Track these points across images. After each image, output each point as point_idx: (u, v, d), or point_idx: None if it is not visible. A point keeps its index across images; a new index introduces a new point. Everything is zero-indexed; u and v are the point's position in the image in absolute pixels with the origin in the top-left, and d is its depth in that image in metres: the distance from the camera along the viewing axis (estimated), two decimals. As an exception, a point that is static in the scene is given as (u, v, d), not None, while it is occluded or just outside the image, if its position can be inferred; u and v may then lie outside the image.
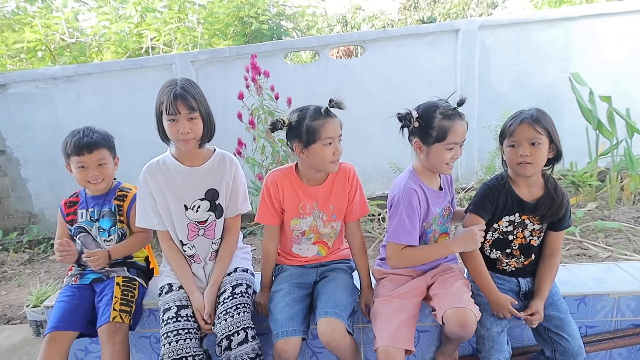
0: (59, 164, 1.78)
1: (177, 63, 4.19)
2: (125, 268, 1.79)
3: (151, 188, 1.64)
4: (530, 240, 1.55)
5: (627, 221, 3.13)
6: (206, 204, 1.66)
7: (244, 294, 1.56)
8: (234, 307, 1.49)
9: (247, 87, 3.25)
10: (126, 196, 1.82)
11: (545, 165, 1.48)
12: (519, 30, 4.07)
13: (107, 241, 1.78)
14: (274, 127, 1.51)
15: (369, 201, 1.99)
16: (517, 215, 1.53)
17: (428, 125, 1.45)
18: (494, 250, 1.59)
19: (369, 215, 3.63)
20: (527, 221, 1.53)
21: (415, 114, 1.47)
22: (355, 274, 1.74)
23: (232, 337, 1.42)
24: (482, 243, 1.54)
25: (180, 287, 1.63)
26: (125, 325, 1.62)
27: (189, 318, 1.53)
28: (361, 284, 1.68)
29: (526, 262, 1.58)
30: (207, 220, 1.67)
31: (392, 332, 1.41)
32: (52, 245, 4.12)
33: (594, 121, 3.39)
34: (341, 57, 7.49)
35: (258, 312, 1.65)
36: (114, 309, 1.61)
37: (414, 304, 1.53)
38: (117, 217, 1.79)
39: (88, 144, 1.69)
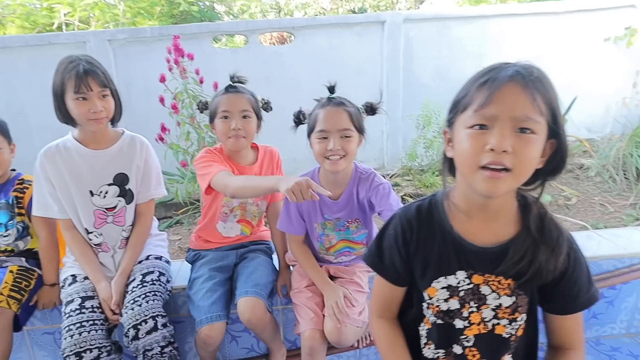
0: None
1: (92, 41, 3.87)
2: (23, 258, 1.65)
3: (50, 174, 1.51)
4: (494, 326, 0.83)
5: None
6: (115, 189, 1.57)
7: (155, 282, 1.50)
8: (143, 296, 1.43)
9: (170, 69, 3.09)
10: (27, 188, 1.67)
11: (528, 182, 0.77)
12: (440, 25, 4.28)
13: (4, 236, 1.63)
14: (199, 107, 1.63)
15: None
16: (460, 274, 0.83)
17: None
18: (430, 345, 0.89)
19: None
20: (483, 287, 0.82)
21: (308, 112, 1.48)
22: (275, 255, 1.75)
23: (139, 327, 1.36)
24: (418, 324, 0.91)
25: (86, 278, 1.53)
26: (10, 312, 1.49)
27: (95, 309, 1.44)
28: (280, 264, 1.70)
29: None
30: (116, 206, 1.58)
31: (312, 316, 1.44)
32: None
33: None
34: (274, 44, 7.39)
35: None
36: (1, 294, 1.48)
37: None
38: (16, 210, 1.64)
39: None
